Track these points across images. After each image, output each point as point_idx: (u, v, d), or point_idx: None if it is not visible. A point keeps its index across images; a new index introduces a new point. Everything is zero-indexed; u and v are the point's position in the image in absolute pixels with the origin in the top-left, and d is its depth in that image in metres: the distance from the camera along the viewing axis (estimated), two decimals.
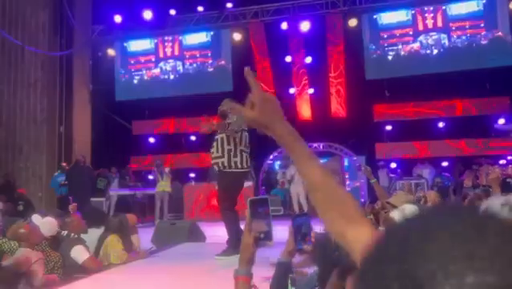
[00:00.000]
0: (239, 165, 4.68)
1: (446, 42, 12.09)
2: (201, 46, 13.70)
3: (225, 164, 4.62)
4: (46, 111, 11.75)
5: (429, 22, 12.29)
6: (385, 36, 12.50)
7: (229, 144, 4.64)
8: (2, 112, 11.55)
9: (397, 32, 12.46)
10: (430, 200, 6.27)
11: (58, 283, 3.49)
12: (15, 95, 11.55)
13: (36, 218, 3.95)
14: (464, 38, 11.96)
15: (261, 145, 12.12)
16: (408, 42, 12.39)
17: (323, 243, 1.68)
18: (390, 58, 12.46)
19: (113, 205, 10.54)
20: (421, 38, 12.31)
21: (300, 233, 1.63)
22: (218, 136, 4.71)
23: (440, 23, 12.19)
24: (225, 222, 4.73)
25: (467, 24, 11.95)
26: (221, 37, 13.55)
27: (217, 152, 4.67)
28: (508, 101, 11.63)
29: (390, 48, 12.49)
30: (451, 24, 12.11)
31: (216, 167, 4.70)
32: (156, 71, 13.94)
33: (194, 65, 13.81)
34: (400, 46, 12.41)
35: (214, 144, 4.74)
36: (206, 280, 3.83)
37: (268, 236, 1.42)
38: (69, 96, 12.42)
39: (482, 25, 11.86)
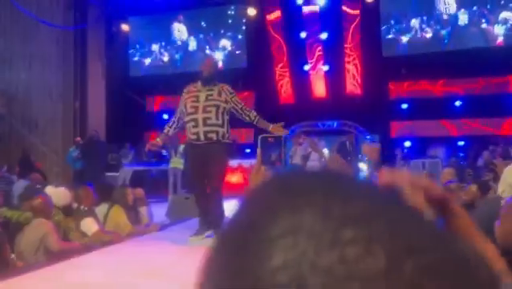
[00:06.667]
0: (230, 138, 4.49)
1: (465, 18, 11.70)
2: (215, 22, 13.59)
3: (226, 134, 4.30)
4: (62, 86, 11.83)
5: None
6: (405, 11, 12.20)
7: (227, 114, 4.34)
8: (18, 87, 11.67)
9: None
10: (444, 178, 6.22)
11: (76, 249, 3.59)
12: (31, 69, 11.64)
13: (49, 189, 4.03)
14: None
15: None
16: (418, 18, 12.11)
17: None
18: (406, 35, 12.18)
19: (127, 180, 10.66)
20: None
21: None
22: (218, 102, 4.29)
23: None
24: (217, 202, 4.31)
25: None
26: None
27: (218, 119, 4.25)
28: None
29: (406, 25, 12.20)
30: None
31: (214, 136, 4.25)
32: (165, 50, 13.94)
33: (210, 39, 13.72)
34: (414, 22, 12.11)
35: (212, 109, 4.25)
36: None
37: None
38: (84, 71, 12.46)
39: None
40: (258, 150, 1.34)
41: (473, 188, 3.40)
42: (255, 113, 4.45)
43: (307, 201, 0.30)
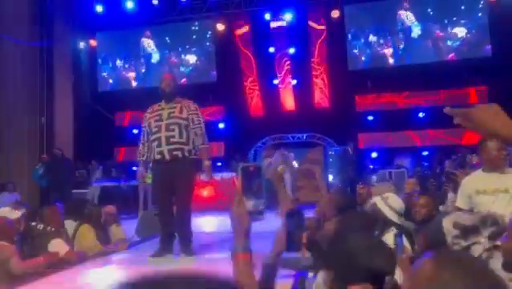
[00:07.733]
0: (197, 154, 4.40)
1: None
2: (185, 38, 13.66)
3: (192, 150, 4.28)
4: (27, 102, 11.59)
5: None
6: (365, 27, 12.61)
7: (193, 131, 4.31)
8: None
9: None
10: (409, 188, 6.41)
11: (41, 266, 3.52)
12: None
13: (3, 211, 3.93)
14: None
15: (244, 138, 12.23)
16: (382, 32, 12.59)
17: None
18: (368, 50, 12.60)
19: (96, 196, 10.49)
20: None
21: (291, 234, 1.43)
22: (180, 120, 4.26)
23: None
24: (186, 220, 4.26)
25: None
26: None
27: (181, 137, 4.21)
28: (486, 91, 11.85)
29: (371, 39, 12.61)
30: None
31: (179, 153, 4.19)
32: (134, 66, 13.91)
33: (176, 54, 13.76)
34: (372, 38, 12.56)
35: (175, 127, 4.20)
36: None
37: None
38: (50, 87, 12.24)
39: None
40: (239, 181, 1.33)
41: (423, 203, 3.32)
42: (203, 142, 4.34)
43: None
